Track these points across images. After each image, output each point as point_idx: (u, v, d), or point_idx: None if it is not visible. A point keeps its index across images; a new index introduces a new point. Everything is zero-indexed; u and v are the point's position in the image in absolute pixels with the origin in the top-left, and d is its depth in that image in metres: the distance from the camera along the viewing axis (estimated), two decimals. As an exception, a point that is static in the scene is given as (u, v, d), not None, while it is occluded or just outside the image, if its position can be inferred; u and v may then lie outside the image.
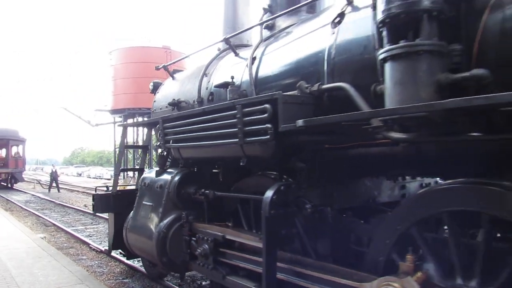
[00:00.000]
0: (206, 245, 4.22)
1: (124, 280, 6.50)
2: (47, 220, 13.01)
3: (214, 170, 4.84)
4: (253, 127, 3.35)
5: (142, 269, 6.61)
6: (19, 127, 33.49)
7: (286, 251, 3.44)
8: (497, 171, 2.50)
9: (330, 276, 2.98)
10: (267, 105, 3.20)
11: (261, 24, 4.55)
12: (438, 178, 3.73)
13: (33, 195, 22.48)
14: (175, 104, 5.27)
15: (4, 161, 27.90)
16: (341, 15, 3.26)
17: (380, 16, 2.47)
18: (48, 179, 27.14)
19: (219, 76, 4.81)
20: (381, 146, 3.04)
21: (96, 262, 7.68)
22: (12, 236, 9.15)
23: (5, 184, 28.16)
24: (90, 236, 10.24)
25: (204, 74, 5.11)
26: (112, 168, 5.57)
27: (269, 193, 3.27)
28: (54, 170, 25.55)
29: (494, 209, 2.31)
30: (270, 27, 4.60)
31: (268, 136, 3.21)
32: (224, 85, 4.26)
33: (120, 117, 22.34)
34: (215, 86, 4.57)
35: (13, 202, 18.58)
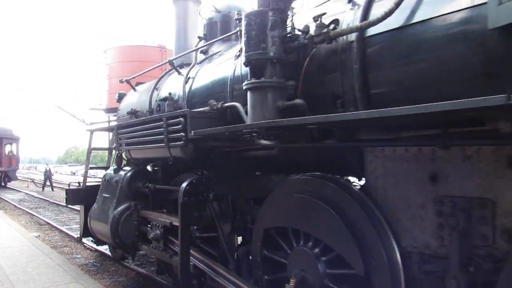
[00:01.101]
0: (158, 231, 5.23)
1: (119, 279, 6.70)
2: (41, 218, 13.03)
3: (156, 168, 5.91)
4: (173, 135, 4.41)
5: (137, 268, 7.08)
6: (13, 126, 33.43)
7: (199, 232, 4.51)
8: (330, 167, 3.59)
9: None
10: (181, 119, 4.25)
11: (195, 50, 5.60)
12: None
13: (26, 193, 22.58)
14: (133, 113, 6.30)
15: None
16: (240, 50, 4.32)
17: (243, 59, 3.52)
18: (42, 177, 27.41)
19: (165, 91, 5.86)
20: (264, 150, 4.09)
21: (91, 261, 7.79)
22: (6, 235, 9.14)
23: None
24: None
25: (155, 88, 6.16)
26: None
27: (184, 185, 4.34)
28: (48, 169, 25.98)
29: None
30: (205, 52, 5.66)
31: (182, 142, 4.26)
32: (164, 99, 5.31)
33: (115, 115, 22.96)
34: (159, 100, 5.62)
35: (6, 201, 18.63)
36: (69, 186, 7.36)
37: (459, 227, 2.58)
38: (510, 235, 2.44)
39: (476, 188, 2.60)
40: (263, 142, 3.66)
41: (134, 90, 7.05)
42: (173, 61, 6.31)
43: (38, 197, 20.12)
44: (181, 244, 4.30)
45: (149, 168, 6.31)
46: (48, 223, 12.01)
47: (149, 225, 5.46)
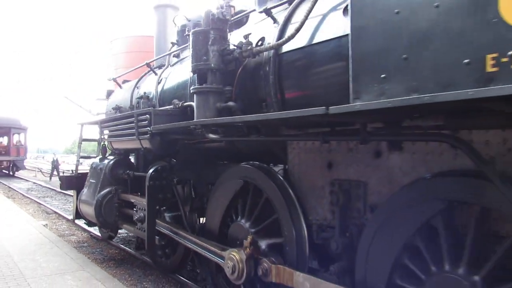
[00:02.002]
0: (142, 213, 6.06)
1: (125, 267, 6.68)
2: (48, 207, 12.99)
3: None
4: (142, 129, 5.21)
5: (136, 254, 7.27)
6: (21, 116, 33.40)
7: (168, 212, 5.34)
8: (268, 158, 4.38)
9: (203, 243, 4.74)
10: (147, 115, 5.05)
11: (168, 54, 6.38)
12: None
13: (34, 183, 22.36)
14: (117, 109, 7.11)
15: (6, 149, 28.17)
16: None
17: (191, 68, 4.30)
18: (50, 167, 27.20)
19: (143, 89, 6.66)
20: (215, 142, 4.88)
21: (97, 249, 7.81)
22: (14, 223, 9.25)
23: (7, 172, 28.47)
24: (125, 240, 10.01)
25: (136, 87, 6.96)
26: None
27: (150, 171, 5.16)
28: (55, 159, 26.55)
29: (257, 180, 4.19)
30: (177, 56, 6.43)
31: (148, 135, 5.07)
32: (140, 97, 6.11)
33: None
34: (137, 98, 6.42)
35: (15, 190, 18.59)
36: (63, 174, 8.22)
37: (340, 203, 3.37)
38: (373, 208, 3.22)
39: (355, 173, 3.39)
40: (211, 136, 4.46)
41: (120, 87, 7.85)
42: (154, 62, 7.13)
43: (46, 187, 19.75)
44: (147, 222, 5.13)
45: (132, 157, 7.16)
46: (56, 212, 11.99)
47: (134, 209, 6.29)
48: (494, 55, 1.75)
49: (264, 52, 3.88)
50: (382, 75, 2.20)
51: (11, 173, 28.25)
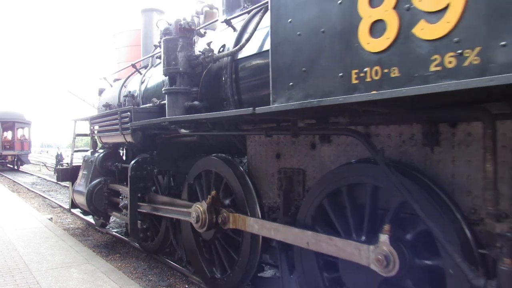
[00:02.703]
0: (126, 201, 6.69)
1: (130, 261, 6.73)
2: (53, 201, 13.03)
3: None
4: (124, 125, 5.82)
5: (136, 245, 7.43)
6: (24, 111, 33.45)
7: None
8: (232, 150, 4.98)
9: (173, 207, 5.39)
10: (128, 113, 5.66)
11: (151, 56, 6.96)
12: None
13: (39, 177, 22.25)
14: (107, 106, 7.73)
15: (10, 143, 28.18)
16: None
17: (163, 72, 4.89)
18: (54, 161, 26.01)
19: (130, 88, 7.26)
20: (189, 136, 5.48)
21: (102, 243, 7.87)
22: (20, 217, 9.29)
23: (12, 166, 28.47)
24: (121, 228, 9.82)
25: (123, 85, 7.56)
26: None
27: (131, 163, 5.77)
28: (59, 153, 27.18)
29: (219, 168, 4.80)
30: (160, 57, 7.01)
31: (130, 130, 5.68)
32: (126, 96, 6.71)
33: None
34: (123, 96, 7.02)
35: (19, 184, 18.61)
36: (60, 166, 8.84)
37: (283, 187, 3.96)
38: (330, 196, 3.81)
39: (296, 162, 3.98)
40: (182, 131, 5.05)
41: (111, 86, 8.45)
42: (140, 62, 7.72)
43: (50, 181, 19.79)
44: (130, 208, 5.76)
45: (121, 151, 7.78)
46: (60, 206, 12.02)
47: (120, 197, 6.93)
48: (356, 70, 2.34)
49: (224, 58, 4.46)
50: (290, 83, 2.79)
51: (15, 167, 28.25)
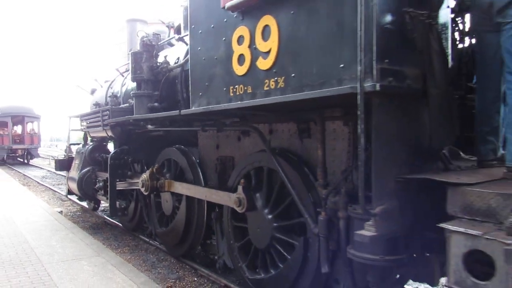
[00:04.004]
0: (101, 183, 7.89)
1: (139, 253, 6.75)
2: (63, 195, 12.96)
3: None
4: (105, 121, 6.96)
5: (150, 240, 7.28)
6: (34, 105, 33.45)
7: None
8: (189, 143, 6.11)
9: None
10: (107, 112, 6.80)
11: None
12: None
13: (48, 170, 22.25)
14: (96, 105, 8.88)
15: (20, 137, 28.32)
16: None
17: (132, 79, 6.00)
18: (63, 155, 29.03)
19: (114, 89, 8.39)
20: (157, 131, 6.59)
21: (112, 236, 7.92)
22: (31, 210, 9.38)
23: (22, 160, 28.71)
24: (105, 211, 10.04)
25: (110, 87, 8.70)
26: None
27: (111, 153, 6.93)
28: (68, 146, 28.36)
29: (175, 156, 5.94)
30: (139, 63, 8.12)
31: (109, 126, 6.82)
32: (110, 96, 7.85)
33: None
34: (109, 96, 8.16)
35: (30, 178, 18.73)
36: (57, 157, 10.05)
37: (218, 171, 5.08)
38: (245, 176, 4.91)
39: (229, 151, 5.08)
40: (149, 127, 6.18)
41: (101, 86, 9.61)
42: (124, 67, 8.84)
43: (60, 174, 18.68)
44: (109, 191, 6.92)
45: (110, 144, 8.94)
46: (70, 199, 11.90)
47: (97, 179, 8.07)
48: (232, 87, 3.44)
49: (177, 68, 5.57)
50: (200, 93, 3.89)
51: (25, 161, 28.53)
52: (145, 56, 5.83)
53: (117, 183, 6.91)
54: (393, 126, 2.52)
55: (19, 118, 28.32)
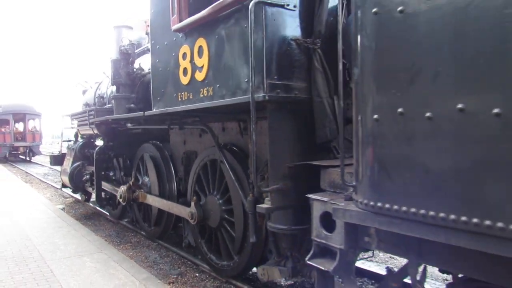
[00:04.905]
0: (88, 176, 8.71)
1: (142, 250, 6.80)
2: (65, 192, 12.86)
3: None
4: (91, 120, 7.78)
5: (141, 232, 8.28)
6: (35, 102, 33.76)
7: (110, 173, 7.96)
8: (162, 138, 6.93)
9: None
10: (93, 112, 7.62)
11: (116, 66, 8.88)
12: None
13: (50, 168, 21.76)
14: (86, 105, 9.70)
15: (22, 135, 28.42)
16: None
17: (111, 83, 6.81)
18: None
19: (101, 90, 9.20)
20: (137, 128, 7.41)
21: (114, 233, 7.95)
22: (33, 207, 9.46)
23: (24, 158, 28.58)
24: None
25: (98, 88, 9.51)
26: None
27: (97, 148, 7.76)
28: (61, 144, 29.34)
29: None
30: (123, 67, 8.93)
31: (94, 125, 7.64)
32: (98, 97, 8.66)
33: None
34: (96, 97, 8.98)
35: (32, 175, 18.75)
36: (52, 153, 10.90)
37: (184, 164, 5.90)
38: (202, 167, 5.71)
39: (193, 146, 5.89)
40: (128, 125, 7.00)
41: (91, 87, 10.42)
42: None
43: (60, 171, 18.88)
44: (96, 182, 7.76)
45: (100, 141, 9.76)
46: (72, 196, 11.95)
47: (84, 172, 8.90)
48: (179, 93, 4.24)
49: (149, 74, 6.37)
50: (158, 98, 4.70)
51: (27, 158, 28.49)
52: (122, 63, 6.64)
53: (102, 184, 7.78)
54: (286, 125, 3.32)
55: (21, 116, 28.64)
